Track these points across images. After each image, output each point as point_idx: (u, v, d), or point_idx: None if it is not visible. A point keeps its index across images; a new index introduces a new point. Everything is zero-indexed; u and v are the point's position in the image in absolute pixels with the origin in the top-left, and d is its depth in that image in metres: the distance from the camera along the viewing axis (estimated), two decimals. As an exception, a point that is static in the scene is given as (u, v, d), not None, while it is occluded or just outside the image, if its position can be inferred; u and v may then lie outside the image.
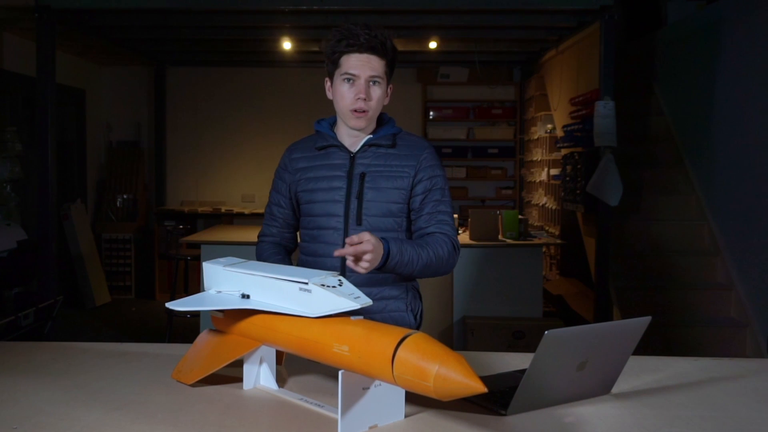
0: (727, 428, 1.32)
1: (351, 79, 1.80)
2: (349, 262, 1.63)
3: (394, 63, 1.86)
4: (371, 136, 1.89)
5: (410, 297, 1.93)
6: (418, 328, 1.93)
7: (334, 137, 1.90)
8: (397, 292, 1.90)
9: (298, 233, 2.04)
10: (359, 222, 1.84)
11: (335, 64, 1.83)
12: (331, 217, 1.86)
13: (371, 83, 1.80)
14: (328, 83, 1.89)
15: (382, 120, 1.93)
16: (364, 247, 1.60)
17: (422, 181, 1.87)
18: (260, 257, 1.96)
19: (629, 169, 4.90)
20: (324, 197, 1.87)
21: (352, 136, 1.88)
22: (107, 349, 1.84)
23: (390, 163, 1.87)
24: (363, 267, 1.63)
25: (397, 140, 1.90)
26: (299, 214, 1.97)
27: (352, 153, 1.88)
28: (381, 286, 1.87)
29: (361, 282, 1.82)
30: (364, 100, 1.79)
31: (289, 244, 2.04)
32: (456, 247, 1.86)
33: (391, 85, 1.89)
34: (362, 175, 1.85)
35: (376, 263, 1.65)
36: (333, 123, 1.95)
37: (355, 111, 1.81)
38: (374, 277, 1.85)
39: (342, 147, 1.88)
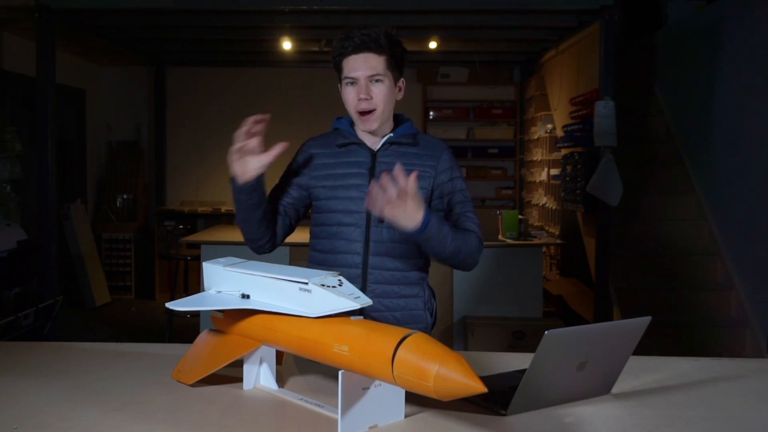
0: (727, 428, 1.32)
1: (352, 82, 1.80)
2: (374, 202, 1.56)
3: (397, 57, 1.84)
4: (392, 134, 1.88)
5: (427, 295, 1.94)
6: (433, 325, 1.94)
7: (355, 135, 1.90)
8: (416, 290, 1.90)
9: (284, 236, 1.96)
10: (381, 219, 1.82)
11: (339, 70, 1.84)
12: (352, 213, 1.85)
13: (372, 82, 1.79)
14: (341, 89, 1.88)
15: (400, 120, 1.93)
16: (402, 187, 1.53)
17: (444, 183, 1.87)
18: None
19: (629, 169, 4.90)
20: (346, 194, 1.86)
21: (363, 130, 1.88)
22: (107, 349, 1.84)
23: (412, 162, 1.85)
24: (387, 208, 1.56)
25: (418, 139, 1.90)
26: (311, 210, 1.95)
27: (374, 151, 1.88)
28: (402, 284, 1.88)
29: (384, 280, 1.84)
30: (367, 99, 1.79)
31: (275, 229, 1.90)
32: (481, 243, 1.86)
33: (402, 80, 1.88)
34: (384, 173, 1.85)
35: (406, 218, 1.60)
36: (351, 120, 1.94)
37: (361, 113, 1.81)
38: (396, 275, 1.86)
39: (363, 145, 1.88)
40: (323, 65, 7.15)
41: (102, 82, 7.54)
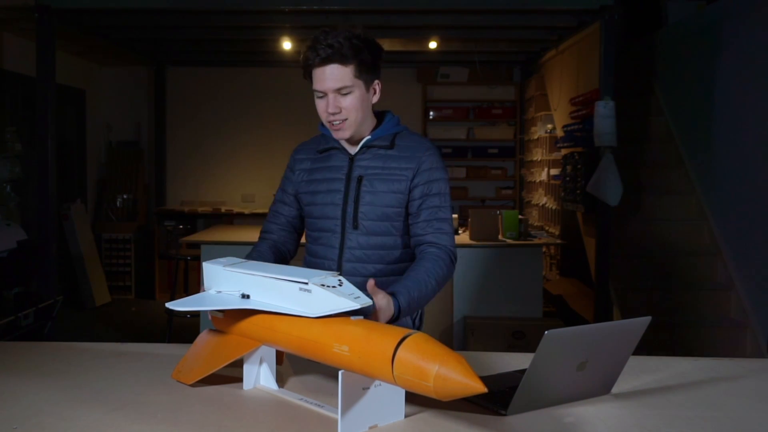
0: (727, 428, 1.32)
1: (320, 95, 1.78)
2: None
3: (367, 62, 1.77)
4: (369, 137, 1.86)
5: None
6: (415, 329, 1.92)
7: (335, 139, 1.89)
8: None
9: (302, 237, 2.04)
10: (355, 226, 1.83)
11: (309, 80, 1.81)
12: (329, 219, 1.86)
13: (340, 94, 1.76)
14: None
15: (383, 119, 1.90)
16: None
17: (419, 185, 1.82)
18: (251, 253, 1.88)
19: (629, 169, 4.90)
20: (323, 200, 1.87)
21: (337, 138, 1.87)
22: (107, 349, 1.84)
23: (388, 165, 1.84)
24: None
25: (396, 141, 1.86)
26: (304, 214, 1.97)
27: (352, 155, 1.87)
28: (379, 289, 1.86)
29: (358, 286, 1.81)
30: (336, 113, 1.77)
31: (287, 247, 1.98)
32: (453, 258, 1.82)
33: (377, 82, 1.83)
34: (359, 178, 1.84)
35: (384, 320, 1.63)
36: None
37: (331, 124, 1.80)
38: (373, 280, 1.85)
39: (342, 149, 1.88)
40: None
41: (102, 82, 7.54)
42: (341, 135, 1.82)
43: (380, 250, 1.85)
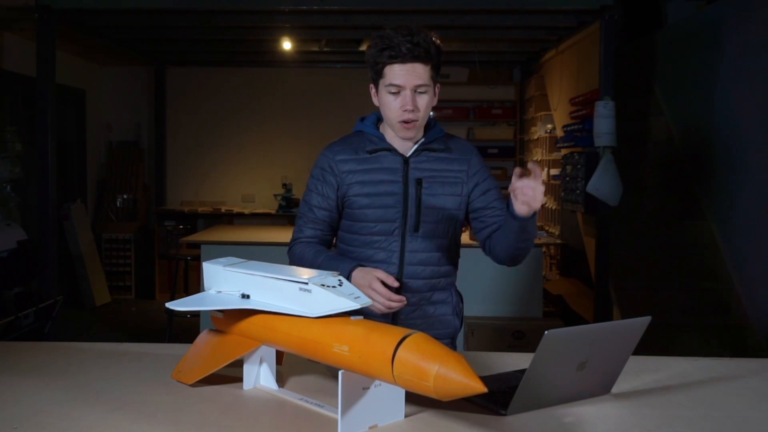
0: (727, 428, 1.32)
1: (396, 91, 1.75)
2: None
3: (440, 63, 1.80)
4: (423, 139, 1.85)
5: (455, 300, 1.93)
6: (460, 328, 1.94)
7: (383, 139, 1.84)
8: (444, 295, 1.90)
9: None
10: (417, 228, 1.81)
11: (379, 74, 1.77)
12: (388, 223, 1.81)
13: (417, 92, 1.76)
14: (373, 90, 1.83)
15: (428, 122, 1.89)
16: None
17: (479, 184, 1.86)
18: (303, 256, 1.81)
19: (629, 169, 4.90)
20: (380, 203, 1.80)
21: (403, 138, 1.83)
22: (107, 349, 1.84)
23: (444, 167, 1.83)
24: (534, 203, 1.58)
25: (449, 144, 1.88)
26: (343, 217, 1.88)
27: (406, 156, 1.83)
28: (434, 290, 1.87)
29: (418, 289, 1.83)
30: (412, 111, 1.75)
31: (328, 245, 1.96)
32: None
33: (438, 84, 1.84)
34: (419, 181, 1.81)
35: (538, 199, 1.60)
36: (375, 121, 1.89)
37: (404, 122, 1.76)
38: (430, 282, 1.85)
39: (394, 150, 1.83)
40: (323, 65, 7.14)
41: (102, 82, 7.54)
42: (410, 134, 1.79)
43: (438, 252, 1.84)
